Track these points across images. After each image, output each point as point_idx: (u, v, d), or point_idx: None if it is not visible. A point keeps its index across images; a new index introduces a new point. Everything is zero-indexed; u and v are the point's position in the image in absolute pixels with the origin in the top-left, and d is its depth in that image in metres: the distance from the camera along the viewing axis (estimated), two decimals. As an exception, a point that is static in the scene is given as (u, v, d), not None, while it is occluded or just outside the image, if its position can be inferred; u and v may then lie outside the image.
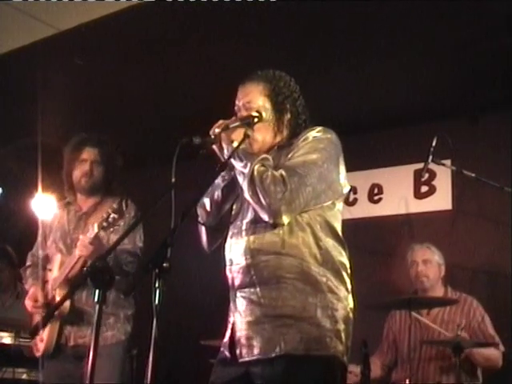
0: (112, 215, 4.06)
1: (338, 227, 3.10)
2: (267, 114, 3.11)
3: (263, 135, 3.12)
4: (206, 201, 3.23)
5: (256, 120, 3.08)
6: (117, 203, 4.15)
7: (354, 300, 3.07)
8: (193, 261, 4.36)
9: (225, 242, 3.17)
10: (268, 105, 3.13)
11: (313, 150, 3.00)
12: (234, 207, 3.20)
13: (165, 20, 4.95)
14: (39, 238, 4.73)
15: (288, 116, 3.16)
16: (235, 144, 2.98)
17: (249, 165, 2.91)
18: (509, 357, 5.29)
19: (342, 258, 3.06)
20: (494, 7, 4.52)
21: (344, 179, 3.10)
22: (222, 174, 3.12)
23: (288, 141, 3.14)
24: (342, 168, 3.11)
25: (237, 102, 3.21)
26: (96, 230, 4.10)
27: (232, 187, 3.18)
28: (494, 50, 5.11)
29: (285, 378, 2.86)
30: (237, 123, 3.05)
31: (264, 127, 3.11)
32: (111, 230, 4.25)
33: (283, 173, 2.88)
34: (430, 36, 4.98)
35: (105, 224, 4.09)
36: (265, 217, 2.91)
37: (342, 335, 2.93)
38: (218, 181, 3.20)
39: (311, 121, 3.21)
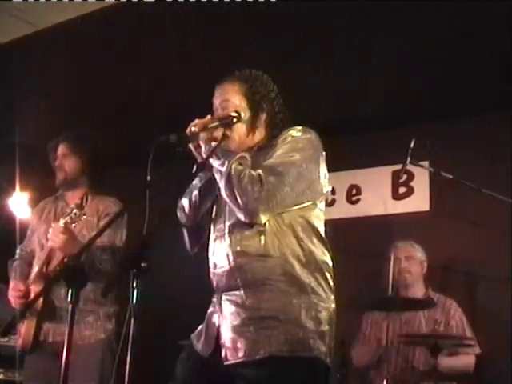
0: (74, 211, 4.04)
1: (321, 227, 3.11)
2: (246, 114, 3.11)
3: (240, 135, 3.12)
4: (185, 202, 3.23)
5: (235, 120, 3.08)
6: (79, 198, 4.12)
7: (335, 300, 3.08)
8: (171, 261, 4.36)
9: (208, 244, 3.17)
10: (244, 104, 3.13)
11: (291, 150, 2.99)
12: (215, 209, 3.20)
13: (146, 18, 4.93)
14: (28, 232, 4.71)
15: (264, 115, 3.17)
16: (214, 144, 2.99)
17: (226, 163, 2.91)
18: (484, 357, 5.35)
19: (325, 257, 3.06)
20: (470, 10, 4.55)
21: (324, 179, 3.10)
22: (199, 174, 3.13)
23: (267, 141, 3.14)
24: (323, 167, 3.10)
25: (214, 101, 3.21)
26: (61, 224, 4.06)
27: (209, 188, 3.17)
28: (469, 54, 5.14)
29: (270, 380, 2.87)
30: (215, 123, 3.05)
31: (241, 127, 3.12)
32: (74, 225, 4.15)
33: (261, 172, 2.88)
34: (409, 40, 4.99)
35: (68, 219, 4.04)
36: (241, 216, 2.92)
37: (326, 337, 2.95)
38: (196, 181, 3.21)
39: (292, 121, 3.21)
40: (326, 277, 3.03)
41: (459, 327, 5.34)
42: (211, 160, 2.97)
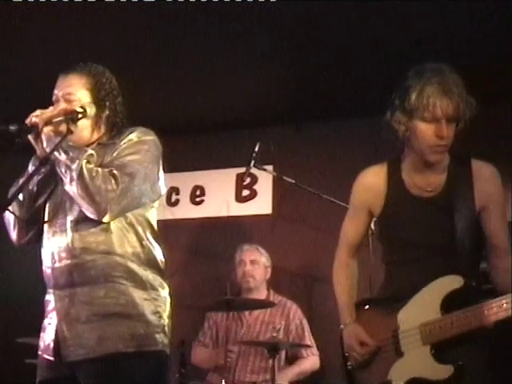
0: None
1: (155, 225, 3.19)
2: (91, 109, 3.09)
3: (83, 130, 3.10)
4: (21, 191, 3.12)
5: (80, 116, 3.05)
6: None
7: (173, 300, 3.16)
8: (9, 255, 4.25)
9: (40, 238, 3.13)
10: (89, 99, 3.11)
11: (138, 150, 3.04)
12: (50, 203, 3.14)
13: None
14: None
15: (107, 112, 3.16)
16: (57, 138, 2.95)
17: (77, 161, 2.89)
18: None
19: (160, 255, 3.15)
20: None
21: (162, 180, 3.17)
22: (37, 165, 3.06)
23: (109, 139, 3.15)
24: (161, 169, 3.17)
25: (56, 92, 3.15)
26: None
27: (47, 181, 3.12)
28: (315, 59, 5.27)
29: (117, 375, 2.90)
30: (60, 117, 3.01)
31: (85, 122, 3.10)
32: None
33: (115, 172, 2.91)
34: (258, 41, 5.03)
35: None
36: (92, 214, 2.92)
37: (166, 330, 3.06)
38: (32, 171, 3.14)
39: (135, 120, 3.21)
40: (162, 273, 3.14)
41: (299, 329, 5.49)
42: (56, 154, 2.92)
